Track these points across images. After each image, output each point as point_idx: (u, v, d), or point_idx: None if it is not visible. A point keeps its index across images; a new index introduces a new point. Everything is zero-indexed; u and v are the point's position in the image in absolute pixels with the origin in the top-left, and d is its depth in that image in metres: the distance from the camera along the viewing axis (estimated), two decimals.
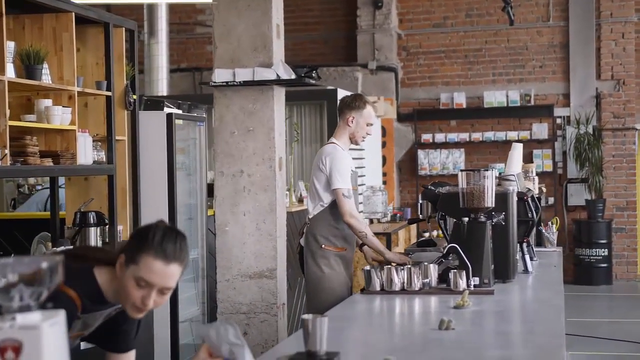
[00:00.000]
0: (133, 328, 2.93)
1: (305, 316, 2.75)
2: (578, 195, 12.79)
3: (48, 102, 5.24)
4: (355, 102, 5.44)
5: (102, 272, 2.72)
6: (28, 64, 5.01)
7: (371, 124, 5.48)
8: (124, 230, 6.00)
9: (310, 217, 5.42)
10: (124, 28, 6.08)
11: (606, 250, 12.48)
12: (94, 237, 5.57)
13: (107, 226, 5.73)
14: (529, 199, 5.17)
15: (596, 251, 12.46)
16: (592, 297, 11.81)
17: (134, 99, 6.13)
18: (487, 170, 4.51)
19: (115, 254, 2.71)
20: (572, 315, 9.81)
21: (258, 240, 5.92)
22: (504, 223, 4.61)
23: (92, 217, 5.58)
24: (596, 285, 12.37)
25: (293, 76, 5.93)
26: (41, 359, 1.72)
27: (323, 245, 5.32)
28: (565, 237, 12.83)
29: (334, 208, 5.32)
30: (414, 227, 11.48)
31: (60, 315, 1.80)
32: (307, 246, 5.39)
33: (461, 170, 4.54)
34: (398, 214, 11.22)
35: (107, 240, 5.75)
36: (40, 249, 5.82)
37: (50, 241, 5.69)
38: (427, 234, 12.64)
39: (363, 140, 5.54)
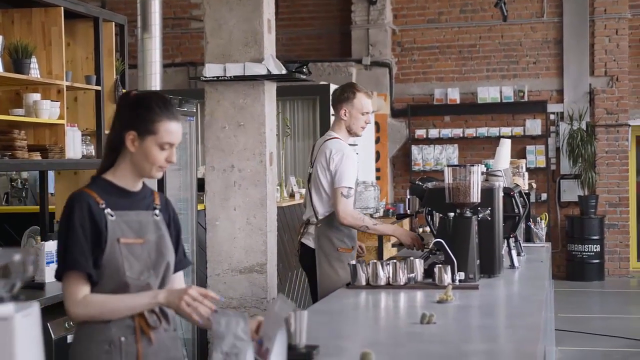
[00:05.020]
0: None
1: None
2: (571, 191, 12.82)
3: (36, 96, 5.25)
4: (344, 93, 5.31)
5: (109, 172, 2.93)
6: (16, 58, 5.02)
7: (367, 113, 5.30)
8: None
9: (319, 217, 5.25)
10: (113, 23, 6.09)
11: (598, 246, 12.52)
12: None
13: None
14: (516, 195, 5.18)
15: (589, 247, 12.49)
16: (584, 292, 11.84)
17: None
18: (473, 165, 4.52)
19: (113, 150, 2.92)
20: (564, 311, 9.84)
21: (248, 235, 5.94)
22: (489, 218, 4.62)
23: None
24: (588, 281, 12.40)
25: (284, 71, 5.94)
26: (14, 350, 1.74)
27: (339, 248, 5.21)
28: (558, 233, 12.86)
29: None
30: (407, 222, 11.51)
31: (34, 307, 1.82)
32: (321, 248, 5.23)
33: (447, 166, 4.55)
34: (391, 209, 11.23)
35: None
36: (31, 243, 5.83)
37: (40, 235, 5.70)
38: (421, 229, 12.67)
39: (363, 130, 5.38)
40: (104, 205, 2.87)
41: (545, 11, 13.00)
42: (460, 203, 4.50)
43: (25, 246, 5.79)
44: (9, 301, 1.79)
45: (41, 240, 5.45)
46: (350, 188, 5.11)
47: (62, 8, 5.40)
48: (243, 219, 5.93)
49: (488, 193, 4.65)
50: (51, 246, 4.98)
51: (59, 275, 2.87)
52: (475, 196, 4.49)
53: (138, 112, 2.89)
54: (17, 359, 1.74)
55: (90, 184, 2.94)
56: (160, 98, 2.96)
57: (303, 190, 8.36)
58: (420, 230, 12.88)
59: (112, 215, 2.87)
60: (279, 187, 8.22)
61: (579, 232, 12.55)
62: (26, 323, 1.78)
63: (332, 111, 9.59)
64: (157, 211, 3.01)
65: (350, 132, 5.34)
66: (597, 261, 12.53)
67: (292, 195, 7.98)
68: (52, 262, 4.97)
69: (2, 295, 1.77)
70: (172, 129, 2.89)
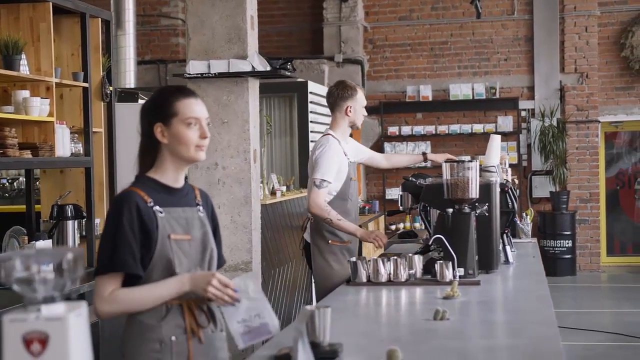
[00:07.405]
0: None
1: (309, 307, 2.75)
2: (542, 187, 12.92)
3: (26, 93, 5.15)
4: (347, 91, 5.41)
5: (151, 171, 2.93)
6: (6, 55, 4.92)
7: (364, 105, 5.53)
8: (101, 224, 5.92)
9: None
10: (100, 19, 6.00)
11: (570, 241, 12.63)
12: (72, 230, 5.49)
13: (84, 219, 5.66)
14: (509, 190, 5.20)
15: (560, 242, 12.59)
16: (557, 287, 11.91)
17: (110, 91, 6.05)
18: (472, 161, 4.52)
19: (148, 152, 2.93)
20: None
21: (233, 233, 5.91)
22: (487, 214, 4.62)
23: (69, 210, 5.50)
24: (560, 276, 12.50)
25: (268, 68, 5.91)
26: (67, 350, 1.70)
27: (330, 241, 5.26)
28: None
29: (337, 202, 5.24)
30: (382, 219, 11.53)
31: (83, 307, 1.78)
32: (314, 242, 5.30)
33: (445, 161, 4.54)
34: (367, 207, 11.25)
35: (84, 233, 5.67)
36: (13, 243, 5.72)
37: (26, 235, 5.59)
38: (393, 227, 12.70)
39: (361, 120, 5.56)
40: (152, 203, 2.86)
41: (516, 8, 13.08)
42: (459, 199, 4.49)
43: (7, 247, 5.68)
44: (61, 301, 1.75)
45: (29, 241, 5.35)
46: (324, 180, 5.16)
47: (51, 4, 5.30)
48: (227, 217, 5.90)
49: (485, 189, 4.65)
50: (42, 246, 4.90)
51: (99, 273, 2.84)
52: (474, 192, 4.49)
53: (155, 105, 2.93)
54: (71, 358, 1.70)
55: (135, 182, 2.93)
56: (171, 86, 3.04)
57: (284, 188, 8.33)
58: (393, 227, 12.86)
59: (161, 212, 2.86)
60: (261, 185, 8.18)
61: (550, 227, 12.65)
62: (78, 322, 1.74)
63: (310, 109, 9.54)
64: (200, 207, 3.00)
65: (353, 127, 5.48)
66: (569, 256, 12.64)
67: (273, 193, 7.93)
68: None
69: (54, 294, 1.73)
70: (192, 105, 2.91)
